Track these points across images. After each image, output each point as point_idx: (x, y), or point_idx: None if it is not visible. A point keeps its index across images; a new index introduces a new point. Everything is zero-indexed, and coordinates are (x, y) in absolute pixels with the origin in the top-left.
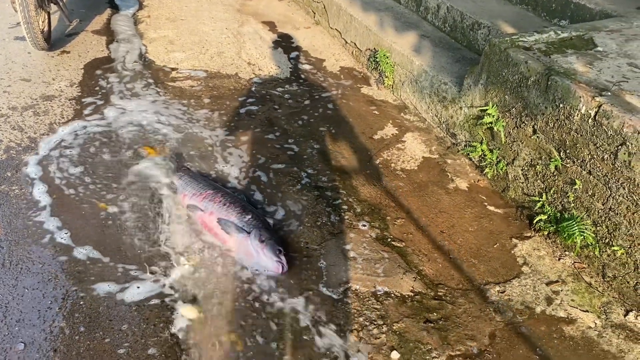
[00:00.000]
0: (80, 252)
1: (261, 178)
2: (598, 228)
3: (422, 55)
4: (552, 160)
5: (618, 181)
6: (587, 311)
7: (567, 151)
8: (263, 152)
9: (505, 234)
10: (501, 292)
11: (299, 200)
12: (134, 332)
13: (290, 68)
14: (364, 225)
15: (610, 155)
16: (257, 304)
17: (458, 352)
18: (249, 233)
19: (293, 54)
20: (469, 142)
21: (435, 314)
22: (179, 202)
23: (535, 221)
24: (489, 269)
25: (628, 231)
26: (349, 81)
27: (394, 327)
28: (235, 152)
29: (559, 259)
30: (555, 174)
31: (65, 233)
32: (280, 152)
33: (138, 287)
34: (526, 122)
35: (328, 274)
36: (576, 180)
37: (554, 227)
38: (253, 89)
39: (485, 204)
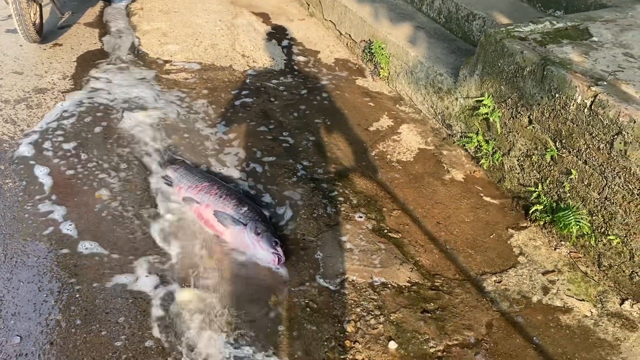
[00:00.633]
0: (82, 246)
1: (256, 170)
2: (594, 217)
3: (417, 46)
4: (548, 150)
5: (614, 170)
6: (583, 300)
7: (563, 141)
8: (258, 145)
9: (502, 225)
10: (498, 282)
11: (295, 192)
12: (130, 325)
13: (284, 60)
14: (361, 217)
15: (606, 145)
16: (256, 297)
17: (455, 342)
18: (245, 225)
19: (287, 46)
20: (465, 133)
21: (432, 304)
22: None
23: (531, 211)
24: (485, 259)
25: (624, 220)
26: (344, 73)
27: (391, 318)
28: (230, 144)
29: (555, 249)
30: (551, 164)
31: (70, 224)
32: (275, 144)
33: (136, 279)
34: (522, 113)
35: (325, 265)
36: (572, 170)
37: (550, 217)
38: (247, 81)
39: (481, 194)
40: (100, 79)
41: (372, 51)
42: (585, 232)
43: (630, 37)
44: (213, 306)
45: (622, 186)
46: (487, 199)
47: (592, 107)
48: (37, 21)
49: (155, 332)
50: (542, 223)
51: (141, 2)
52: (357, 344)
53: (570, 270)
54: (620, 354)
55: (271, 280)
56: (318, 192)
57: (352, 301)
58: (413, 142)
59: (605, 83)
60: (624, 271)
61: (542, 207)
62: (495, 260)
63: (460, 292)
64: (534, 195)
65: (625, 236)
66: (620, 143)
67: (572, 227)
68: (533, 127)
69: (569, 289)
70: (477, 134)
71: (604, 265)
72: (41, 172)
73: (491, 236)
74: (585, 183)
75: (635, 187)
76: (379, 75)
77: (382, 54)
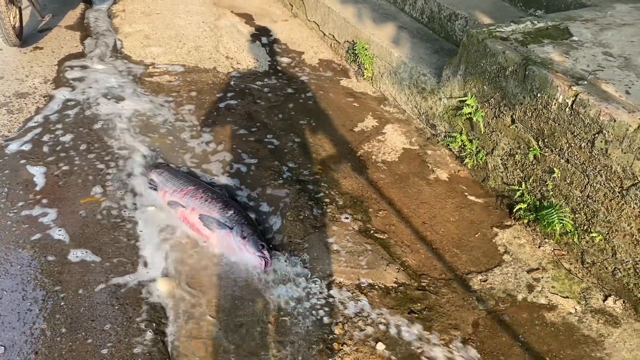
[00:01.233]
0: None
1: (242, 173)
2: (577, 215)
3: (400, 46)
4: (531, 149)
5: (595, 169)
6: (567, 297)
7: (546, 140)
8: (243, 147)
9: (486, 223)
10: (483, 281)
11: (281, 194)
12: (117, 332)
13: (268, 61)
14: (347, 218)
15: (587, 144)
16: (242, 304)
17: (442, 342)
18: (231, 229)
19: (271, 47)
20: (449, 132)
21: (419, 304)
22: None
23: (515, 210)
24: (470, 258)
25: (606, 218)
26: (328, 73)
27: (379, 319)
28: (215, 147)
29: (539, 247)
30: (534, 163)
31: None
32: (260, 146)
33: (121, 285)
34: (505, 112)
35: (312, 267)
36: (554, 168)
37: (534, 215)
38: (232, 83)
39: (466, 194)
40: (82, 82)
41: (356, 52)
42: (568, 230)
43: (610, 36)
44: (199, 310)
45: (604, 184)
46: (472, 198)
47: (574, 106)
48: (17, 24)
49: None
50: (526, 221)
51: (123, 4)
52: (346, 346)
53: (554, 267)
54: (604, 350)
55: (258, 283)
56: (304, 193)
57: (340, 303)
58: (398, 142)
59: (585, 82)
60: (606, 268)
61: (525, 205)
62: (481, 259)
63: (447, 291)
64: (518, 193)
65: (608, 233)
66: (601, 142)
67: (555, 225)
68: (516, 126)
69: (553, 287)
70: (460, 133)
71: (587, 262)
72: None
73: (476, 235)
74: (568, 181)
75: (617, 185)
76: (363, 75)
77: (366, 55)
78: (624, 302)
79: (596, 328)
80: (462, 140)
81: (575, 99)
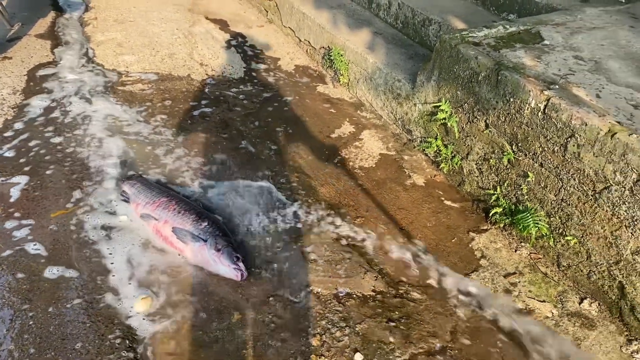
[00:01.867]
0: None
1: (217, 182)
2: (552, 219)
3: (375, 52)
4: (505, 153)
5: (569, 172)
6: (544, 301)
7: (519, 144)
8: (218, 155)
9: (463, 228)
10: (461, 287)
11: (257, 202)
12: (88, 351)
13: (244, 68)
14: (324, 226)
15: (560, 148)
16: (218, 317)
17: (421, 350)
18: (205, 241)
19: (247, 54)
20: (425, 138)
21: (397, 312)
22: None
23: (491, 214)
24: (448, 263)
25: (580, 221)
26: (305, 80)
27: (357, 329)
28: (189, 156)
29: (516, 251)
30: (508, 167)
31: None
32: (236, 154)
33: (93, 301)
34: (478, 117)
35: (289, 278)
36: (529, 172)
37: (510, 219)
38: (206, 90)
39: (442, 198)
40: (53, 92)
41: (332, 58)
42: (544, 233)
43: (580, 40)
44: (173, 327)
45: (577, 188)
46: (448, 202)
47: (546, 110)
48: None
49: (116, 357)
50: (502, 225)
51: (95, 11)
52: (323, 357)
53: (530, 271)
54: (581, 353)
55: (234, 295)
56: (280, 202)
57: (317, 314)
58: (375, 148)
59: (557, 87)
60: (582, 270)
61: (501, 209)
62: (458, 264)
63: (425, 298)
64: (493, 198)
65: (582, 236)
66: (574, 146)
67: (531, 229)
68: (490, 131)
69: (530, 291)
70: (436, 138)
71: (563, 265)
72: None
73: (453, 240)
74: (542, 185)
75: (590, 189)
76: (339, 81)
77: (342, 61)
78: (599, 304)
79: (572, 331)
80: (437, 146)
81: (547, 104)
